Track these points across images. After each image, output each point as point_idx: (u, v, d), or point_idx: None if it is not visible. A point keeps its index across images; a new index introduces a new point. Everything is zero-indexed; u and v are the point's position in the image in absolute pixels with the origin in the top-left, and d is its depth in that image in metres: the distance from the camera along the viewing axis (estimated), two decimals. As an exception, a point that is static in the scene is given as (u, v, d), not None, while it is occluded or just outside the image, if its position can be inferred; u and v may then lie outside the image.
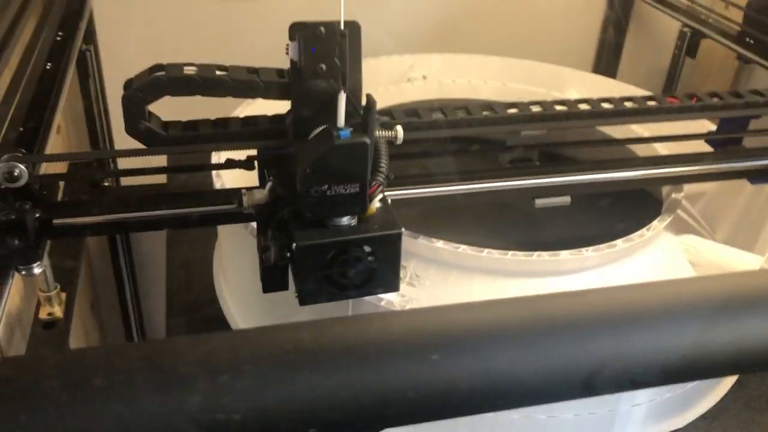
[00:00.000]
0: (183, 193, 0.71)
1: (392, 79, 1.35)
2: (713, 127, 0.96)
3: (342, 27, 0.58)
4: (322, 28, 0.57)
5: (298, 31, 0.58)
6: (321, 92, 0.61)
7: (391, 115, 0.74)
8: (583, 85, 1.34)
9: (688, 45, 1.56)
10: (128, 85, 0.68)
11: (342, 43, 0.58)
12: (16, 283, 0.93)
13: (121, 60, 1.51)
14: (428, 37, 1.68)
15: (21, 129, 0.81)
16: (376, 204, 0.67)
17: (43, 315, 0.93)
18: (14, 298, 0.95)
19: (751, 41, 1.29)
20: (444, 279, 0.81)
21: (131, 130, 0.68)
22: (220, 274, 1.03)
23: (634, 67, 1.78)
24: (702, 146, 0.96)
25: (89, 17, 1.40)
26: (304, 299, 0.66)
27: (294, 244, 0.63)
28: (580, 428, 0.83)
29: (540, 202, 0.79)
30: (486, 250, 0.80)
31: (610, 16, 1.77)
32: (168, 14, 1.52)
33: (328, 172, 0.61)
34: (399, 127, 0.64)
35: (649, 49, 1.80)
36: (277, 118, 0.71)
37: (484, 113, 0.77)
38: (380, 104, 1.24)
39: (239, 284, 0.98)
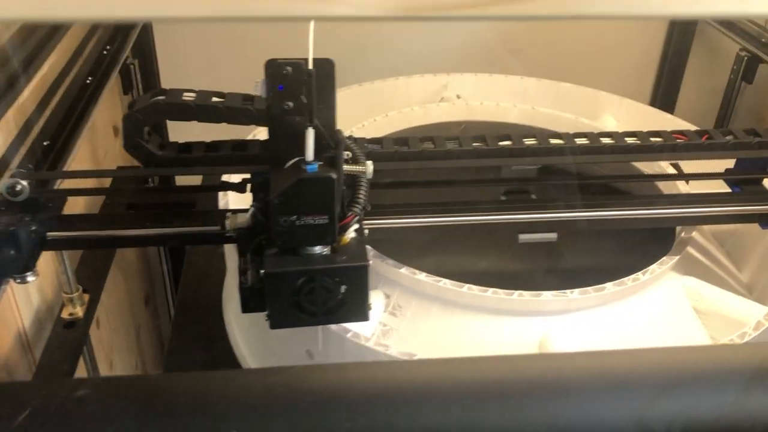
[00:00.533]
0: (168, 211, 0.75)
1: (425, 98, 1.36)
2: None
3: (311, 66, 0.60)
4: (290, 68, 0.59)
5: (267, 69, 0.60)
6: (293, 126, 0.63)
7: (381, 143, 0.76)
8: (619, 111, 1.30)
9: (745, 69, 1.47)
10: (130, 106, 0.73)
11: (309, 81, 0.60)
12: (50, 282, 1.01)
13: (177, 73, 1.60)
14: (486, 60, 1.67)
15: (45, 143, 0.88)
16: (350, 234, 0.68)
17: (65, 315, 1.00)
18: (47, 295, 1.02)
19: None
20: (426, 311, 0.82)
21: (129, 148, 0.73)
22: (229, 303, 1.07)
23: (696, 91, 1.71)
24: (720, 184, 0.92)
25: (142, 29, 1.48)
26: (274, 323, 0.68)
27: (262, 271, 0.65)
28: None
29: (524, 238, 0.79)
30: (466, 286, 0.80)
31: (671, 38, 1.70)
32: (226, 30, 1.58)
33: (296, 204, 0.63)
34: (369, 162, 0.66)
35: (711, 72, 1.72)
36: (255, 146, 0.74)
37: (474, 145, 0.78)
38: (403, 125, 1.28)
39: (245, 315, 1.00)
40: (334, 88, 0.64)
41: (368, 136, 1.19)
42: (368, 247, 0.71)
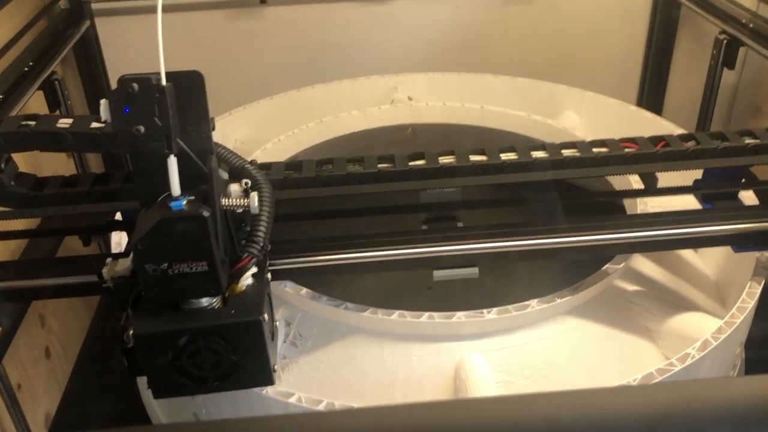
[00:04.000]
0: (41, 259, 0.63)
1: (373, 101, 1.24)
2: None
3: (164, 80, 0.48)
4: (135, 85, 0.47)
5: (111, 89, 0.48)
6: (155, 155, 0.51)
7: (269, 168, 0.64)
8: (581, 106, 1.19)
9: (725, 54, 1.29)
10: None
11: (162, 100, 0.48)
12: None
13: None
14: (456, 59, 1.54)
15: None
16: (246, 281, 0.56)
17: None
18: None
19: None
20: (327, 339, 0.72)
21: None
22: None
23: (685, 81, 1.57)
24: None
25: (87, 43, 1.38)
26: (156, 391, 0.56)
27: (130, 331, 0.53)
28: None
29: (439, 275, 0.67)
30: (369, 309, 0.69)
31: (654, 26, 1.55)
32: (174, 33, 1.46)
33: (163, 249, 0.51)
34: (254, 194, 0.54)
35: (698, 60, 1.58)
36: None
37: (380, 166, 0.66)
38: (339, 131, 1.16)
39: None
40: (206, 105, 0.52)
41: (299, 145, 1.09)
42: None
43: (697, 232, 0.70)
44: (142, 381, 0.94)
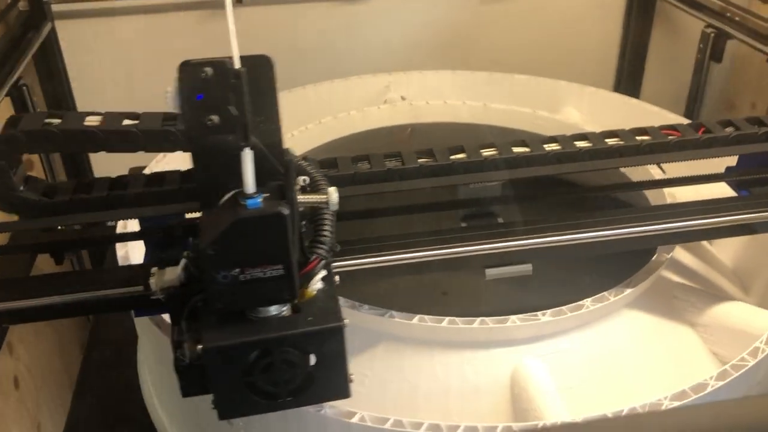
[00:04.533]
0: (73, 272, 0.56)
1: (366, 101, 1.21)
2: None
3: (237, 64, 0.44)
4: (209, 69, 0.42)
5: (180, 73, 0.43)
6: (224, 149, 0.46)
7: (336, 164, 0.60)
8: (581, 101, 1.18)
9: (713, 48, 1.30)
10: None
11: (238, 86, 0.43)
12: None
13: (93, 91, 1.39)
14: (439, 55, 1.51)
15: None
16: (316, 285, 0.52)
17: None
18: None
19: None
20: (371, 349, 0.68)
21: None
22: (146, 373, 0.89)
23: (662, 75, 1.58)
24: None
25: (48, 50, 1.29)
26: (223, 413, 0.51)
27: (200, 346, 0.48)
28: None
29: (492, 273, 0.64)
30: (417, 317, 0.66)
31: (630, 20, 1.56)
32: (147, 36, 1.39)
33: (237, 253, 0.46)
34: (333, 189, 0.49)
35: (676, 53, 1.58)
36: (190, 176, 0.57)
37: (421, 161, 0.63)
38: (340, 132, 1.11)
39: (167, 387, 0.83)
40: (275, 94, 0.47)
41: (302, 147, 1.04)
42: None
43: (750, 218, 0.69)
44: (151, 401, 0.87)
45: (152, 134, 0.50)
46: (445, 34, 1.50)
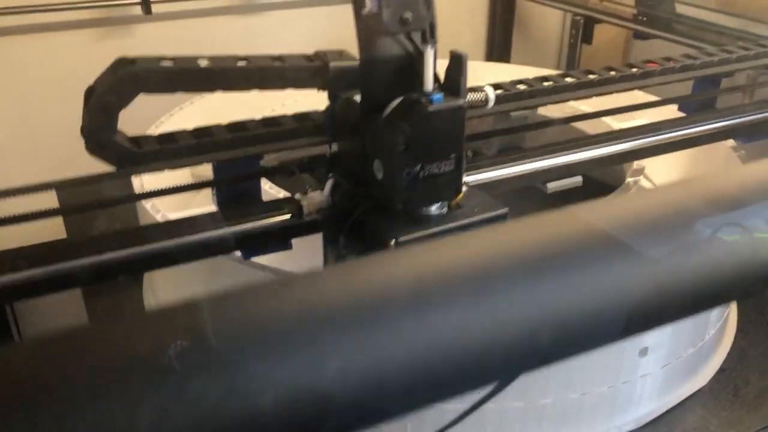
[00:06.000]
0: (221, 211, 0.56)
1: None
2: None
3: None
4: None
5: (378, -28, 0.47)
6: (398, 52, 0.50)
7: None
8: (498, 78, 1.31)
9: (584, 32, 1.57)
10: (91, 92, 0.52)
11: (428, -16, 0.48)
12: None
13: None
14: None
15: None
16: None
17: None
18: None
19: (644, 18, 1.35)
20: None
21: (97, 148, 0.53)
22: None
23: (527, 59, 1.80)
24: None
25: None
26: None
27: (393, 241, 0.51)
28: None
29: (553, 186, 0.73)
30: None
31: (494, 18, 1.76)
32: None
33: (424, 147, 0.50)
34: (489, 88, 0.55)
35: (536, 43, 1.84)
36: (301, 117, 0.59)
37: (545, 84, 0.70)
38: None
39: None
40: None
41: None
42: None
43: (708, 129, 0.85)
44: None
45: (301, 70, 0.53)
46: (336, 44, 1.58)
